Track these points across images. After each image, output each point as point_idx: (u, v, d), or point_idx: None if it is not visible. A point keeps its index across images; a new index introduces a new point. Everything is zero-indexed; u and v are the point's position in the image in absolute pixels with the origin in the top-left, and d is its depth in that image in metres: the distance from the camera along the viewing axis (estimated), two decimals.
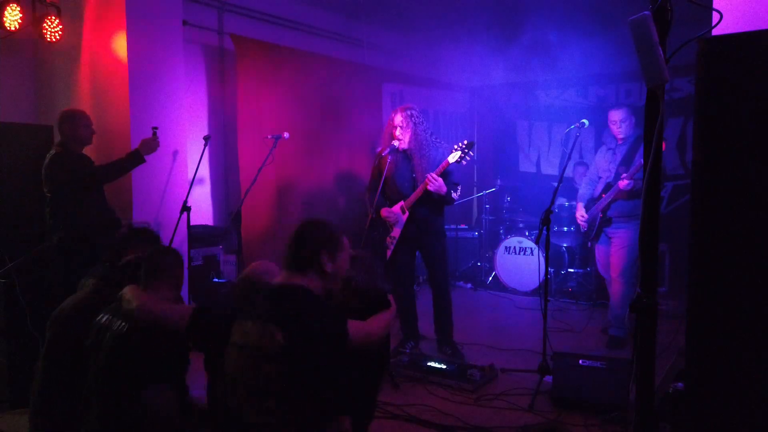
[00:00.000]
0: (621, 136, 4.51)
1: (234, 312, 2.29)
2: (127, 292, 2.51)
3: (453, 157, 4.01)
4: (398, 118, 4.17)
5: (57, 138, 4.00)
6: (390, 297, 2.58)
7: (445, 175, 4.08)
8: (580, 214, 4.71)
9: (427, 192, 4.06)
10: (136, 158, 4.04)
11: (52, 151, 3.85)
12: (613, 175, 4.50)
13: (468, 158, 4.05)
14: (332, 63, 6.23)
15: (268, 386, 1.93)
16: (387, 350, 2.80)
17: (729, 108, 1.75)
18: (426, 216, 4.23)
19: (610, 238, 4.56)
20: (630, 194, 4.33)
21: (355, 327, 2.21)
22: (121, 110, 4.47)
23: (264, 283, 2.39)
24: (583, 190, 4.85)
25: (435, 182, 3.99)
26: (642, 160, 4.01)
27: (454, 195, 4.14)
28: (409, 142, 4.16)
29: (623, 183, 4.27)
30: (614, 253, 4.52)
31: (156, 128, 4.17)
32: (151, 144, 4.10)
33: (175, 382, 2.52)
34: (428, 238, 4.29)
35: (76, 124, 3.91)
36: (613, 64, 6.94)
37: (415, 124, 4.15)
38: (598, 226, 4.58)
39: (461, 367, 3.89)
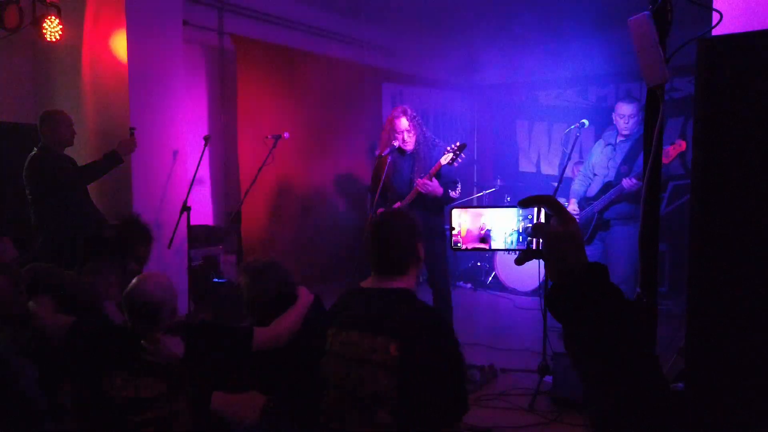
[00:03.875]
0: (626, 132, 4.28)
1: (121, 328, 2.22)
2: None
3: (445, 159, 4.02)
4: (404, 123, 4.15)
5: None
6: (301, 290, 2.47)
7: (440, 175, 4.09)
8: (572, 208, 4.43)
9: (422, 193, 4.07)
10: (113, 159, 3.95)
11: (32, 153, 3.81)
12: (614, 174, 4.26)
13: (460, 160, 4.05)
14: (332, 63, 6.22)
15: (382, 399, 1.79)
16: None
17: (729, 108, 1.75)
18: (424, 217, 4.21)
19: (605, 241, 4.33)
20: (630, 196, 4.12)
21: (263, 333, 2.22)
22: (121, 110, 4.47)
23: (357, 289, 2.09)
24: (576, 186, 4.59)
25: (426, 186, 4.00)
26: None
27: (452, 194, 4.12)
28: (415, 144, 4.20)
29: (628, 183, 4.04)
30: (612, 259, 4.24)
31: (134, 128, 4.11)
32: (129, 144, 4.02)
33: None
34: (426, 238, 4.25)
35: (55, 125, 3.86)
36: (613, 64, 6.94)
37: (420, 125, 4.21)
38: (593, 228, 4.33)
39: None
